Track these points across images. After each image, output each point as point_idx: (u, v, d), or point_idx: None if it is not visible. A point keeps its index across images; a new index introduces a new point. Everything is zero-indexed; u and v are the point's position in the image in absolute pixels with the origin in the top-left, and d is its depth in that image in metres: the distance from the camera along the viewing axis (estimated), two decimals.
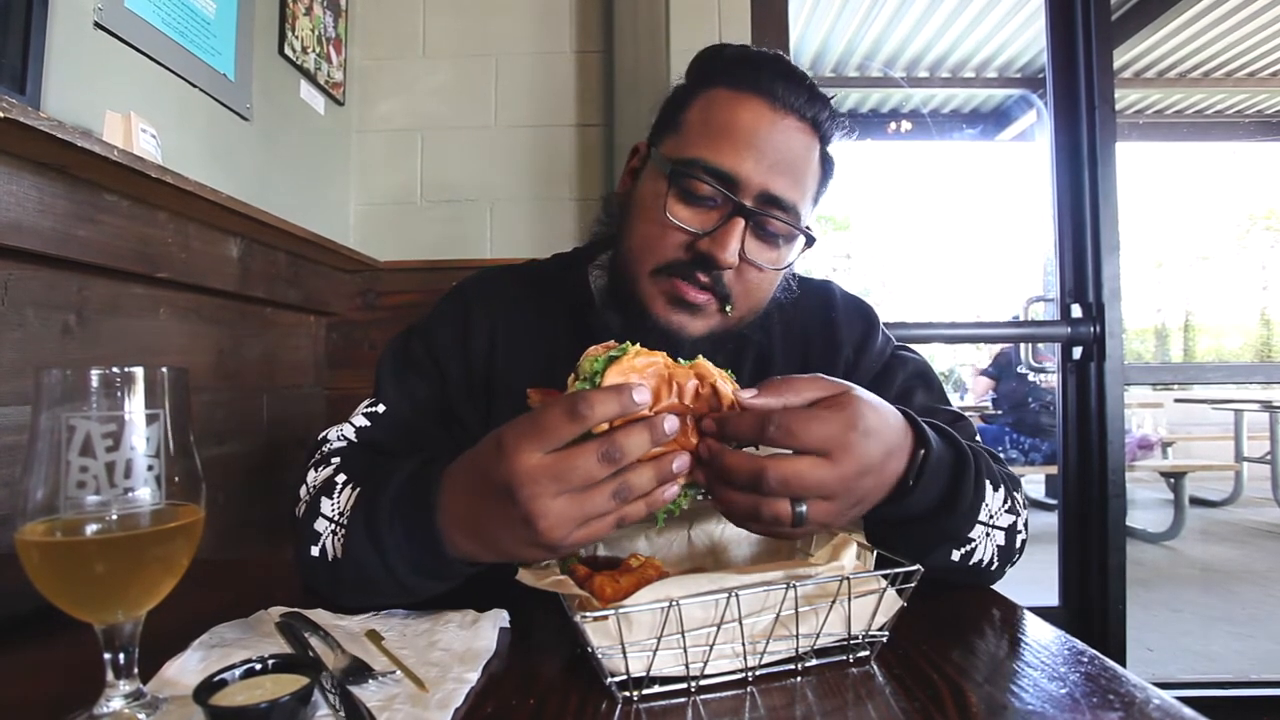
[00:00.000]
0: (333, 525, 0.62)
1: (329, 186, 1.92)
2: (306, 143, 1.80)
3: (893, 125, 5.27)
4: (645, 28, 1.87)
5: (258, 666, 0.44)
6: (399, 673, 0.49)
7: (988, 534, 0.65)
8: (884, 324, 0.91)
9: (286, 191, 1.70)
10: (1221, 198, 9.68)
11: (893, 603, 0.51)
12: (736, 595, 0.47)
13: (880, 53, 4.19)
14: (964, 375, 7.46)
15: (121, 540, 0.42)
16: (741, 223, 0.72)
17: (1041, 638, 0.56)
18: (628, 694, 0.46)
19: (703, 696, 0.47)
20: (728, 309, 0.75)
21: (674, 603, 0.45)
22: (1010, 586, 0.69)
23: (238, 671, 0.43)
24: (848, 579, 0.50)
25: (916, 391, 0.84)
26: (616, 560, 0.61)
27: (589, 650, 0.46)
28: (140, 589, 0.44)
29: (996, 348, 5.25)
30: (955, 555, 0.64)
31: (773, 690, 0.48)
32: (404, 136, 2.02)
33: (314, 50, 1.80)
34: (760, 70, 0.74)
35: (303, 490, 0.69)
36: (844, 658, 0.51)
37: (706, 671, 0.48)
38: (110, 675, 0.43)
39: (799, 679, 0.49)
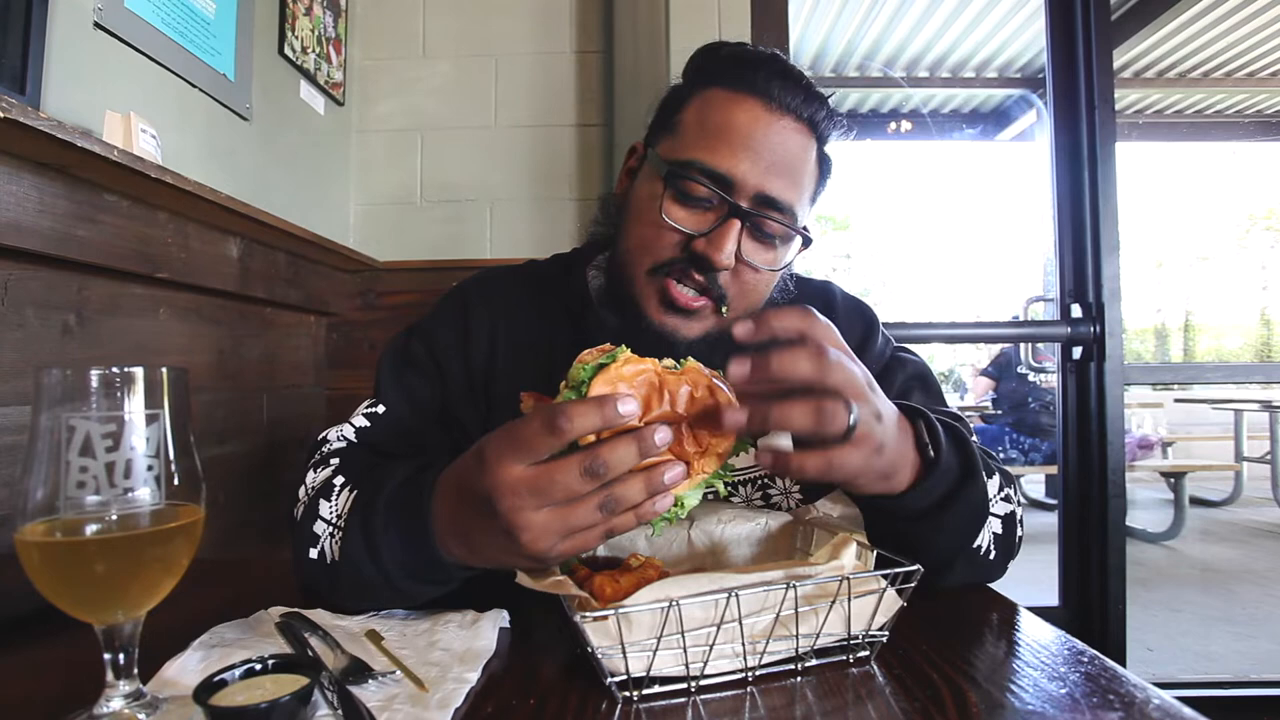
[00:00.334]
0: (330, 528, 0.62)
1: (329, 186, 1.92)
2: (306, 143, 1.80)
3: (893, 125, 5.27)
4: (645, 28, 1.87)
5: (258, 666, 0.44)
6: (399, 673, 0.49)
7: (987, 518, 0.65)
8: (884, 324, 0.91)
9: (286, 191, 1.70)
10: (1221, 198, 9.68)
11: (893, 603, 0.51)
12: (736, 595, 0.47)
13: (880, 53, 4.19)
14: (964, 375, 7.46)
15: (121, 540, 0.42)
16: (737, 224, 0.72)
17: (1041, 638, 0.56)
18: (628, 694, 0.46)
19: (703, 696, 0.47)
20: (723, 310, 0.75)
21: (674, 603, 0.45)
22: (1010, 586, 0.69)
23: (238, 671, 0.43)
24: (848, 579, 0.50)
25: (914, 393, 0.85)
26: (616, 560, 0.61)
27: (589, 650, 0.46)
28: (140, 589, 0.44)
29: (996, 348, 5.25)
30: (978, 539, 0.65)
31: (773, 690, 0.48)
32: (404, 136, 2.02)
33: (314, 50, 1.80)
34: (756, 70, 0.74)
35: (301, 491, 0.69)
36: (844, 658, 0.51)
37: (706, 671, 0.48)
38: (110, 675, 0.43)
39: (799, 679, 0.49)
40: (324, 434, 0.78)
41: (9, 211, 0.93)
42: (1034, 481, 5.18)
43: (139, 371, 0.43)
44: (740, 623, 0.47)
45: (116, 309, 1.18)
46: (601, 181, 1.98)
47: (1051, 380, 2.61)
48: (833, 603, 0.50)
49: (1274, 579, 3.44)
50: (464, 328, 0.85)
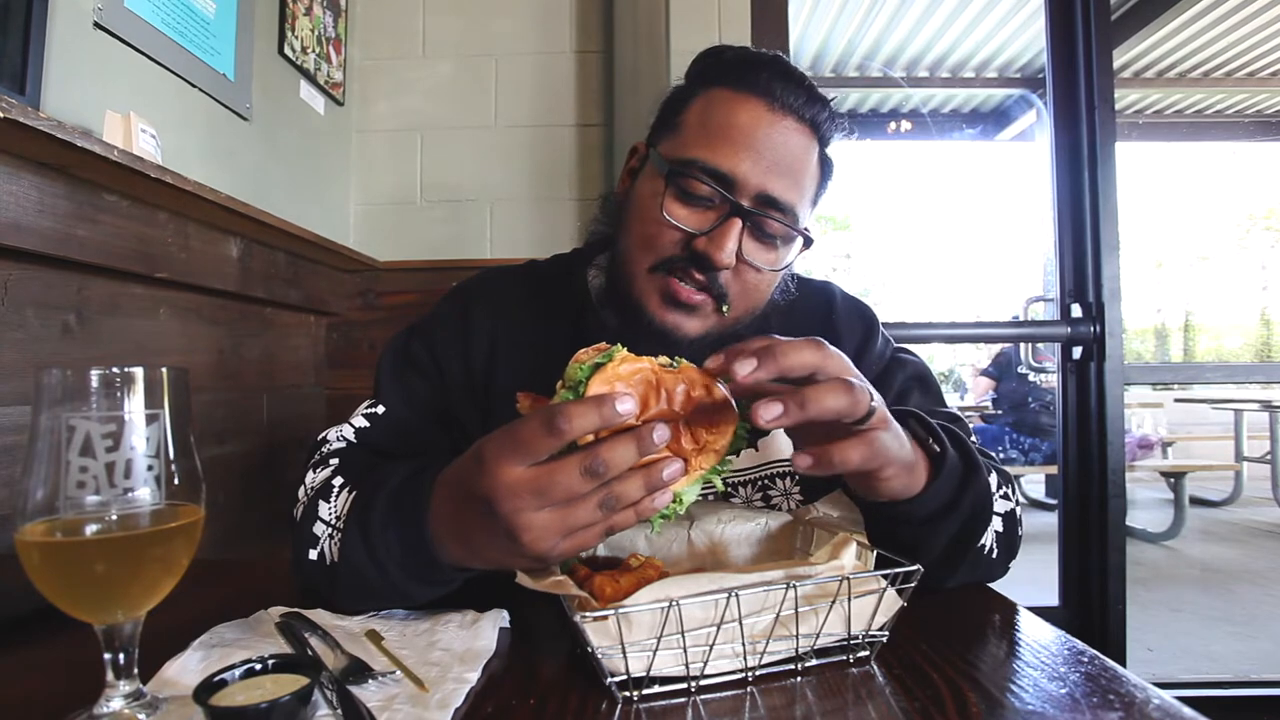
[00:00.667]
0: (329, 529, 0.62)
1: (329, 186, 1.92)
2: (306, 143, 1.80)
3: (893, 125, 5.27)
4: (645, 28, 1.87)
5: (258, 666, 0.43)
6: (399, 673, 0.49)
7: (991, 517, 0.66)
8: (884, 324, 0.91)
9: (286, 191, 1.70)
10: (1221, 198, 9.69)
11: (893, 603, 0.51)
12: (736, 595, 0.47)
13: (880, 53, 4.19)
14: (964, 375, 7.46)
15: (121, 540, 0.42)
16: (738, 223, 0.72)
17: (1041, 638, 0.56)
18: (628, 694, 0.46)
19: (703, 696, 0.47)
20: (724, 309, 0.75)
21: (674, 603, 0.45)
22: (1010, 586, 0.69)
23: (238, 671, 0.43)
24: (848, 579, 0.50)
25: (914, 393, 0.85)
26: (616, 560, 0.61)
27: (589, 650, 0.46)
28: (140, 589, 0.44)
29: (996, 348, 5.25)
30: (984, 539, 0.65)
31: (773, 690, 0.48)
32: (404, 136, 2.03)
33: (314, 50, 1.80)
34: (759, 71, 0.74)
35: (301, 492, 0.69)
36: (844, 658, 0.51)
37: (706, 671, 0.48)
38: (110, 675, 0.43)
39: (799, 679, 0.49)
40: (324, 434, 0.78)
41: (9, 211, 0.93)
42: (1034, 481, 5.18)
43: (139, 371, 0.43)
44: (740, 623, 0.47)
45: (116, 309, 1.18)
46: (601, 181, 1.98)
47: (1051, 380, 2.61)
48: (833, 603, 0.50)
49: (1274, 579, 3.44)
50: (464, 328, 0.85)
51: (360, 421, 0.79)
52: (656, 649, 0.46)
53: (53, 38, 1.04)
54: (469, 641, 0.54)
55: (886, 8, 3.71)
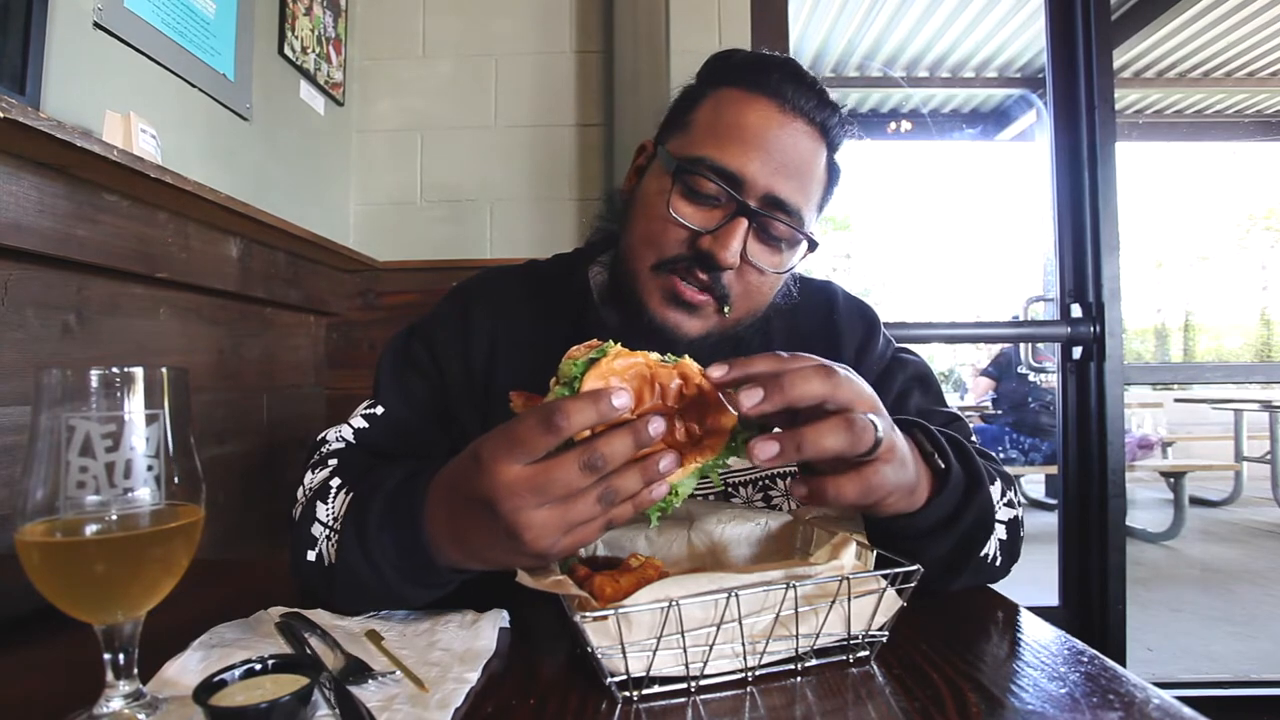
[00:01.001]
0: (327, 531, 0.62)
1: (329, 186, 1.92)
2: (306, 143, 1.80)
3: (893, 125, 5.27)
4: (645, 28, 1.87)
5: (258, 666, 0.43)
6: (399, 673, 0.49)
7: (994, 526, 0.65)
8: (884, 324, 0.91)
9: (286, 191, 1.70)
10: (1221, 198, 9.68)
11: (892, 603, 0.51)
12: (736, 595, 0.47)
13: (880, 53, 4.19)
14: (964, 375, 7.46)
15: (121, 540, 0.42)
16: (744, 223, 0.72)
17: (1041, 638, 0.56)
18: (628, 694, 0.46)
19: (703, 696, 0.47)
20: (726, 310, 0.75)
21: (674, 603, 0.45)
22: (1010, 586, 0.69)
23: (238, 671, 0.43)
24: (847, 579, 0.50)
25: (914, 393, 0.85)
26: (616, 560, 0.61)
27: (589, 650, 0.46)
28: (140, 589, 0.44)
29: (996, 348, 5.25)
30: (985, 547, 0.65)
31: (773, 690, 0.48)
32: (404, 136, 2.03)
33: (314, 50, 1.80)
34: (771, 72, 0.74)
35: (300, 492, 0.69)
36: (844, 658, 0.51)
37: (706, 671, 0.48)
38: (110, 675, 0.43)
39: (799, 679, 0.49)
40: (323, 434, 0.78)
41: (9, 211, 0.93)
42: (1034, 481, 5.18)
43: (139, 371, 0.43)
44: (740, 623, 0.47)
45: (116, 309, 1.18)
46: (601, 181, 1.98)
47: (1051, 380, 2.61)
48: (833, 603, 0.50)
49: (1274, 579, 3.44)
50: (464, 328, 0.85)
51: (359, 422, 0.79)
52: (656, 649, 0.46)
53: (53, 38, 1.04)
54: (469, 641, 0.54)
55: (886, 8, 3.71)
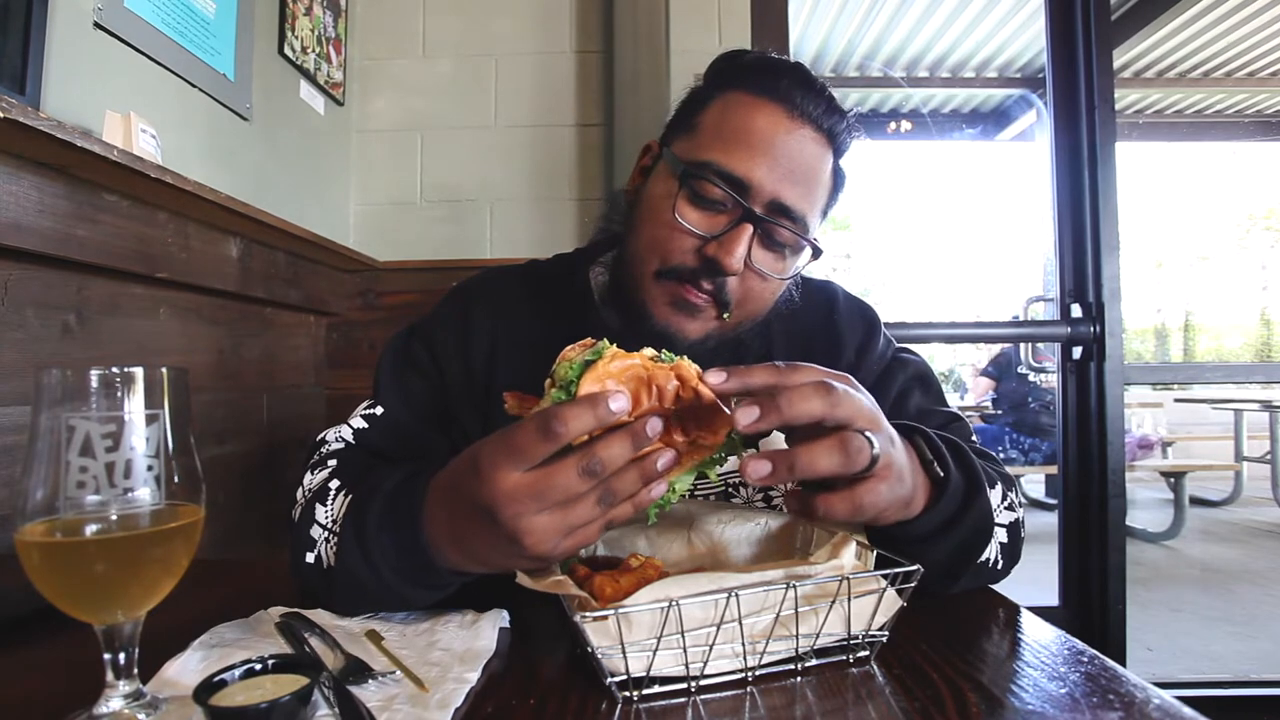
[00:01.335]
0: (326, 533, 0.62)
1: (329, 186, 1.92)
2: (306, 143, 1.80)
3: (893, 125, 5.27)
4: (645, 28, 1.87)
5: (258, 666, 0.44)
6: (399, 673, 0.49)
7: (993, 532, 0.65)
8: (884, 324, 0.91)
9: (286, 191, 1.70)
10: (1221, 198, 9.68)
11: (892, 603, 0.51)
12: (736, 595, 0.47)
13: (880, 53, 4.19)
14: (964, 375, 7.46)
15: (121, 540, 0.42)
16: (749, 229, 0.71)
17: (1041, 638, 0.56)
18: (628, 694, 0.46)
19: (703, 696, 0.47)
20: (725, 315, 0.75)
21: (674, 603, 0.45)
22: (1010, 586, 0.69)
23: (238, 671, 0.43)
24: (847, 579, 0.50)
25: (914, 393, 0.84)
26: (616, 560, 0.61)
27: (589, 650, 0.46)
28: (140, 589, 0.44)
29: (996, 348, 5.25)
30: (985, 553, 0.64)
31: (773, 690, 0.48)
32: (404, 136, 2.03)
33: (314, 50, 1.80)
34: (780, 77, 0.74)
35: (299, 493, 0.69)
36: (844, 658, 0.51)
37: (706, 671, 0.48)
38: (110, 675, 0.43)
39: (799, 679, 0.49)
40: (323, 435, 0.78)
41: (9, 211, 0.93)
42: (1034, 481, 5.18)
43: (139, 371, 0.43)
44: (740, 623, 0.47)
45: (116, 309, 1.18)
46: (601, 181, 1.98)
47: (1051, 380, 2.61)
48: (833, 603, 0.50)
49: (1274, 579, 3.44)
50: (464, 328, 0.85)
51: (359, 422, 0.78)
52: (656, 649, 0.46)
53: (53, 38, 1.04)
54: (469, 641, 0.54)
55: (886, 8, 3.71)
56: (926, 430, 0.62)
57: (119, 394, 0.42)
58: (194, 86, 1.36)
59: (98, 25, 1.13)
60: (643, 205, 0.79)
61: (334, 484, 0.65)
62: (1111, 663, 0.50)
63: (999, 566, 0.67)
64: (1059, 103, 1.97)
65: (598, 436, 0.48)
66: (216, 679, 0.42)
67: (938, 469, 0.60)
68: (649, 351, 0.52)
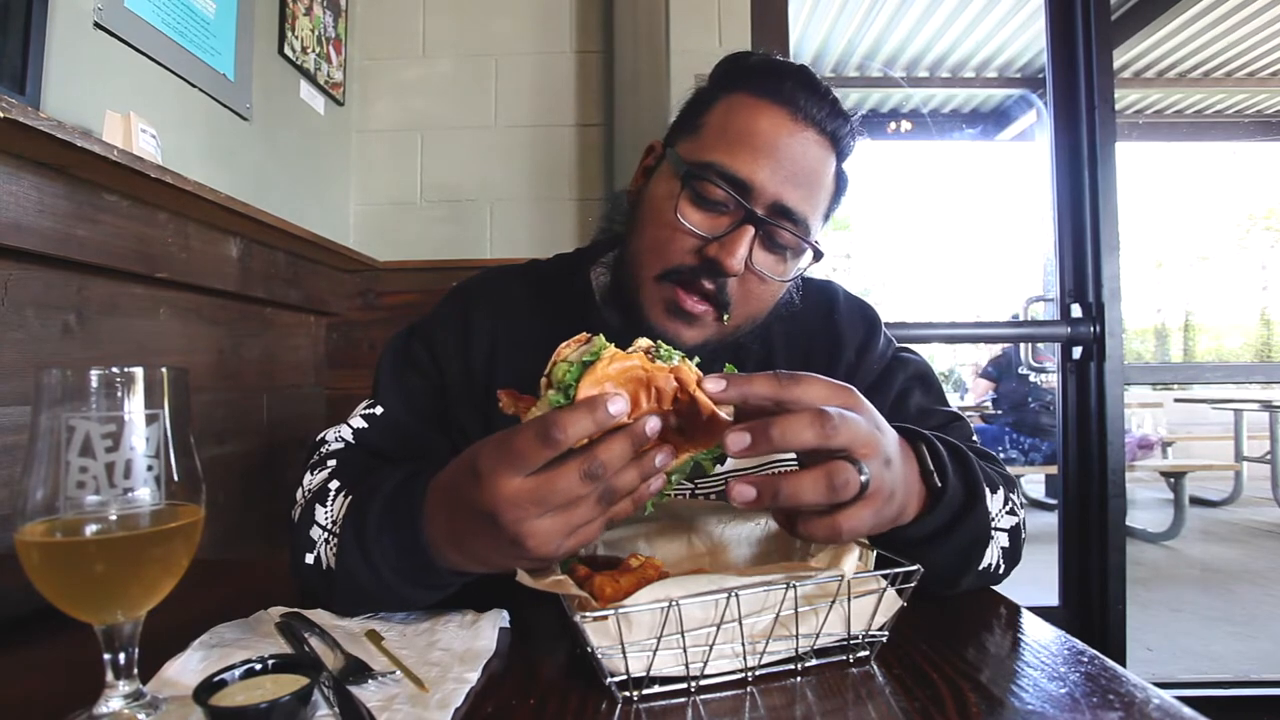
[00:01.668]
0: (326, 534, 0.62)
1: (329, 186, 1.92)
2: (306, 143, 1.80)
3: (893, 125, 5.27)
4: (645, 28, 1.87)
5: (258, 666, 0.44)
6: (399, 673, 0.49)
7: (992, 536, 0.65)
8: (885, 324, 0.91)
9: (286, 191, 1.70)
10: (1221, 198, 9.68)
11: (892, 603, 0.51)
12: (736, 595, 0.47)
13: (880, 53, 4.19)
14: (964, 375, 7.46)
15: (121, 540, 0.42)
16: (751, 231, 0.71)
17: (1041, 638, 0.56)
18: (628, 694, 0.46)
19: (703, 696, 0.47)
20: (725, 318, 0.75)
21: (674, 603, 0.45)
22: (1010, 586, 0.69)
23: (238, 671, 0.43)
24: (847, 579, 0.50)
25: (914, 393, 0.84)
26: (616, 560, 0.61)
27: (589, 650, 0.46)
28: (140, 589, 0.43)
29: (996, 348, 5.25)
30: (986, 558, 0.64)
31: (773, 690, 0.48)
32: (404, 136, 2.03)
33: (314, 50, 1.80)
34: (784, 79, 0.73)
35: (299, 493, 0.69)
36: (844, 658, 0.51)
37: (706, 671, 0.48)
38: (110, 675, 0.43)
39: (799, 679, 0.49)
40: (322, 434, 0.78)
41: (9, 211, 0.93)
42: (1034, 481, 5.18)
43: (139, 371, 0.43)
44: (740, 623, 0.47)
45: (116, 309, 1.18)
46: (601, 182, 1.98)
47: (1051, 380, 2.61)
48: (833, 603, 0.50)
49: (1274, 579, 3.44)
50: (465, 328, 0.85)
51: (358, 422, 0.78)
52: (656, 649, 0.46)
53: (53, 38, 1.04)
54: (469, 641, 0.54)
55: (886, 8, 3.71)
56: (930, 437, 0.62)
57: (119, 394, 0.42)
58: (194, 86, 1.36)
59: (98, 25, 1.13)
60: (645, 205, 0.79)
61: (333, 485, 0.65)
62: (1111, 663, 0.50)
63: (999, 570, 0.67)
64: (1059, 103, 1.97)
65: (597, 438, 0.48)
66: (216, 679, 0.42)
67: (936, 480, 0.59)
68: (645, 342, 0.52)
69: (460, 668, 0.49)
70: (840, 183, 0.79)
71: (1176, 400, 5.79)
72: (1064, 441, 1.95)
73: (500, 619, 0.59)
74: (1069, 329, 1.91)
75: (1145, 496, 5.06)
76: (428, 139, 2.02)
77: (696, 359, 0.53)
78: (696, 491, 0.80)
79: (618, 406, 0.46)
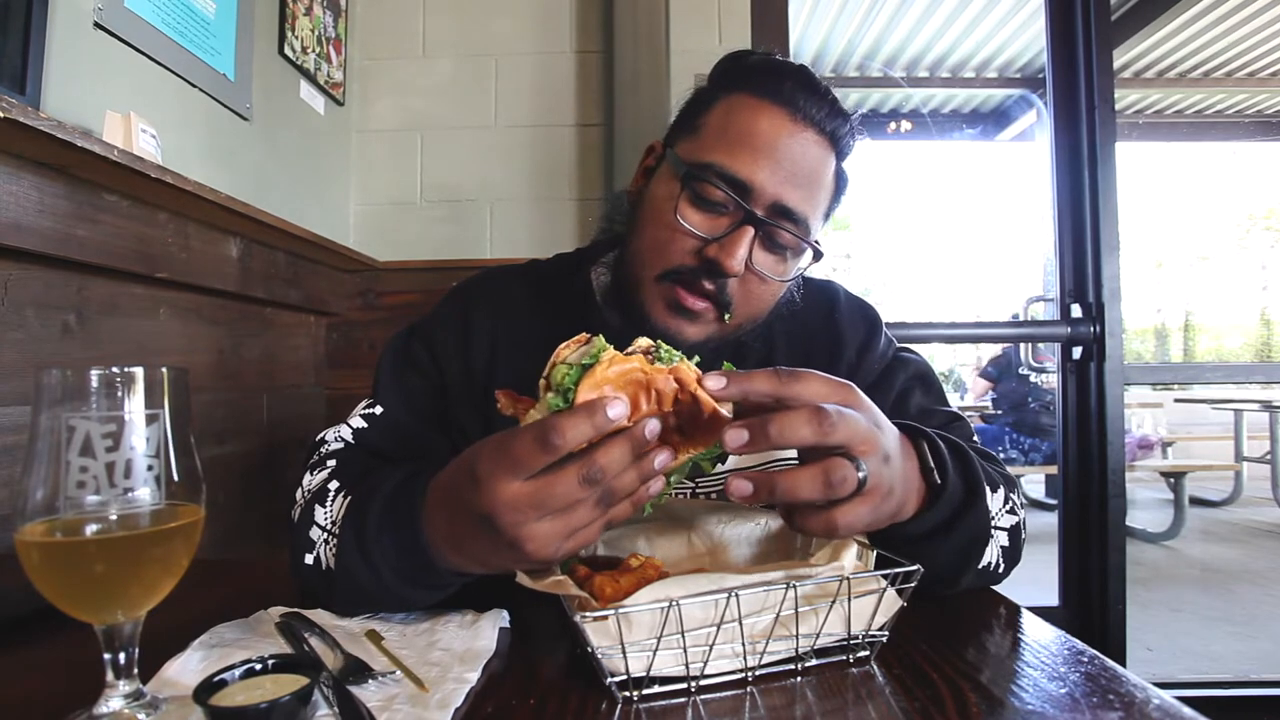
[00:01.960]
0: (325, 534, 0.62)
1: (329, 186, 1.92)
2: (306, 143, 1.80)
3: (893, 125, 5.27)
4: (645, 28, 1.87)
5: (258, 666, 0.43)
6: (399, 673, 0.49)
7: (992, 535, 0.65)
8: (885, 324, 0.91)
9: (286, 191, 1.70)
10: (1221, 198, 9.68)
11: (893, 603, 0.51)
12: (736, 595, 0.47)
13: (880, 53, 4.19)
14: (964, 375, 7.46)
15: (121, 540, 0.42)
16: (751, 231, 0.71)
17: (1041, 638, 0.56)
18: (628, 694, 0.46)
19: (703, 696, 0.47)
20: (726, 317, 0.75)
21: (674, 603, 0.45)
22: (1010, 586, 0.69)
23: (238, 671, 0.43)
24: (847, 579, 0.50)
25: (915, 393, 0.84)
26: (616, 560, 0.61)
27: (589, 650, 0.46)
28: (140, 589, 0.43)
29: (995, 348, 5.25)
30: (985, 557, 0.64)
31: (773, 690, 0.48)
32: (404, 136, 2.03)
33: (314, 50, 1.80)
34: (784, 80, 0.74)
35: (299, 493, 0.69)
36: (844, 658, 0.51)
37: (706, 671, 0.48)
38: (110, 675, 0.43)
39: (799, 679, 0.49)
40: (322, 434, 0.78)
41: (9, 211, 0.93)
42: (1034, 481, 5.18)
43: (139, 371, 0.43)
44: (740, 623, 0.47)
45: (116, 309, 1.18)
46: (601, 182, 1.98)
47: (1051, 380, 2.61)
48: (833, 603, 0.50)
49: (1274, 579, 3.44)
50: (465, 328, 0.85)
51: (358, 422, 0.78)
52: (656, 649, 0.46)
53: (53, 38, 1.04)
54: (469, 641, 0.54)
55: (886, 8, 3.71)
56: (931, 434, 0.62)
57: (119, 394, 0.42)
58: (194, 86, 1.36)
59: (98, 25, 1.13)
60: (645, 206, 0.79)
61: (333, 485, 0.65)
62: (1111, 663, 0.50)
63: (999, 569, 0.67)
64: (1059, 103, 1.97)
65: (597, 441, 0.48)
66: (216, 679, 0.42)
67: (936, 477, 0.59)
68: (645, 342, 0.52)
69: (460, 668, 0.49)
70: (840, 182, 0.79)
71: (1176, 400, 5.79)
72: (1064, 441, 1.95)
73: (500, 619, 0.59)
74: (1069, 329, 1.91)
75: (1145, 496, 5.06)
76: (428, 139, 2.02)
77: (697, 359, 0.53)
78: (697, 491, 0.80)
79: (617, 411, 0.46)
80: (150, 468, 0.43)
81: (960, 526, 0.61)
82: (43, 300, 1.03)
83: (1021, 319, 2.55)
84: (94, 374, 0.42)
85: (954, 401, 0.87)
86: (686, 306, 0.74)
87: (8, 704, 0.47)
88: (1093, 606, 1.88)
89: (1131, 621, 1.87)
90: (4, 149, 0.91)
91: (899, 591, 0.52)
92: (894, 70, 4.35)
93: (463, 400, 0.83)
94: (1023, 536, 0.70)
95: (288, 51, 1.68)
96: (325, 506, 0.64)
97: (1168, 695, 0.44)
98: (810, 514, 0.52)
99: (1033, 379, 4.81)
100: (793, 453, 0.73)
